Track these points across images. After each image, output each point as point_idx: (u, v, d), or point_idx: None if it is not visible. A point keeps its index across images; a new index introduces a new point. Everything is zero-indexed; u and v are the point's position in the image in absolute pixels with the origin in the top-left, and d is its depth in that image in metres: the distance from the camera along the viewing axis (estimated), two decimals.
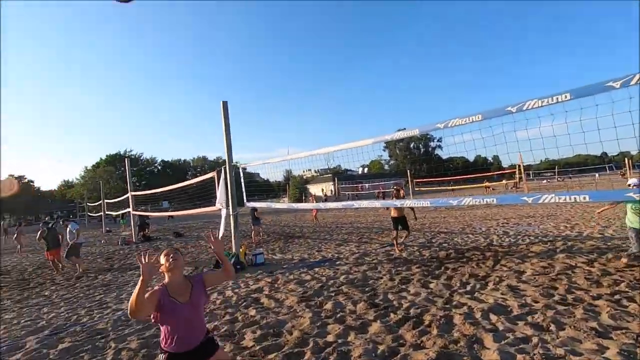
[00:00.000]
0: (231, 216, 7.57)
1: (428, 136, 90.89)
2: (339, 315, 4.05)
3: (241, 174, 9.24)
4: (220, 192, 7.78)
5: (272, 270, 6.72)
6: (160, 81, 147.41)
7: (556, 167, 61.10)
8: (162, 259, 2.07)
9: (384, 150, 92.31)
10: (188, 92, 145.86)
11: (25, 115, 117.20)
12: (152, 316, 1.97)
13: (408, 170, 30.64)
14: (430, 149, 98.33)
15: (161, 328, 2.00)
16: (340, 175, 62.46)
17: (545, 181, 45.88)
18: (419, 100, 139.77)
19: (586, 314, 3.55)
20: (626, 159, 28.67)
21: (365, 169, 75.25)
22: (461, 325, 3.49)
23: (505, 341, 3.07)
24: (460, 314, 3.77)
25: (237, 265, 6.84)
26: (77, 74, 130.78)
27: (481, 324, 3.49)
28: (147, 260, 1.92)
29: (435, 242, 8.48)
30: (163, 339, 1.99)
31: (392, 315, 3.90)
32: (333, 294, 4.85)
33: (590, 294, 4.12)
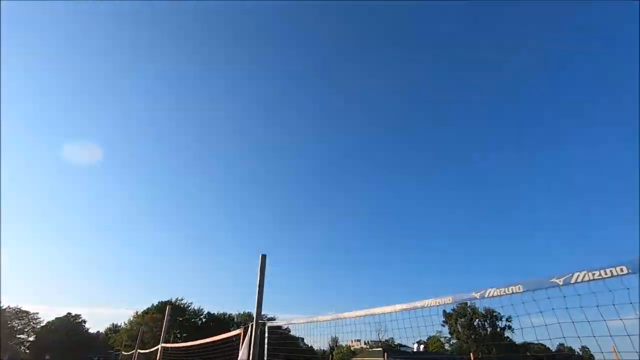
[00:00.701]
0: None
1: (495, 314, 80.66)
2: None
3: (266, 332, 8.47)
4: (242, 352, 7.06)
5: None
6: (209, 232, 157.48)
7: None
8: None
9: (443, 326, 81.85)
10: (243, 244, 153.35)
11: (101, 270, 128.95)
12: None
13: (472, 354, 25.99)
14: (498, 329, 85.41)
15: None
16: (391, 350, 54.79)
17: None
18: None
19: None
20: None
21: (422, 346, 65.62)
22: None
23: None
24: None
25: None
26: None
27: None
28: None
29: None
30: None
31: None
32: None
33: None
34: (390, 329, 10.41)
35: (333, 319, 7.21)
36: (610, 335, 3.11)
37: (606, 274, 2.87)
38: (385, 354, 31.81)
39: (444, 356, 64.92)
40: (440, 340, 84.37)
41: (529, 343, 75.63)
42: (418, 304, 5.31)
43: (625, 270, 2.80)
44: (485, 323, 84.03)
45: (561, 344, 69.07)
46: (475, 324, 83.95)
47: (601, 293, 3.01)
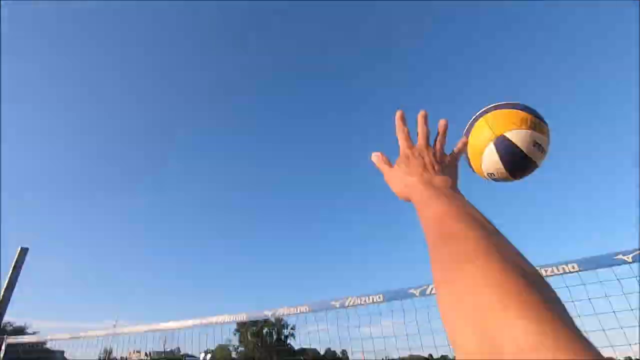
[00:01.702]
0: None
1: (282, 323, 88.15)
2: None
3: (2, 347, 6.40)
4: None
5: None
6: None
7: None
8: None
9: (235, 334, 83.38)
10: None
11: None
12: None
13: None
14: (283, 337, 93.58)
15: None
16: None
17: None
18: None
19: None
20: None
21: (208, 356, 64.55)
22: None
23: None
24: None
25: None
26: None
27: None
28: None
29: None
30: None
31: None
32: None
33: None
34: (176, 338, 9.69)
35: (107, 335, 6.14)
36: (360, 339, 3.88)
37: (369, 300, 3.53)
38: None
39: None
40: (228, 349, 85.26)
41: (305, 348, 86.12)
42: (213, 319, 5.18)
43: (381, 299, 3.50)
44: (273, 331, 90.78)
45: (328, 348, 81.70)
46: (264, 332, 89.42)
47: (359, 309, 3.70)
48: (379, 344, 5.32)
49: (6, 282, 5.90)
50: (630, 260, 2.74)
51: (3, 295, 5.73)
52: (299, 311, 3.72)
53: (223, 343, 79.84)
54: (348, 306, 3.51)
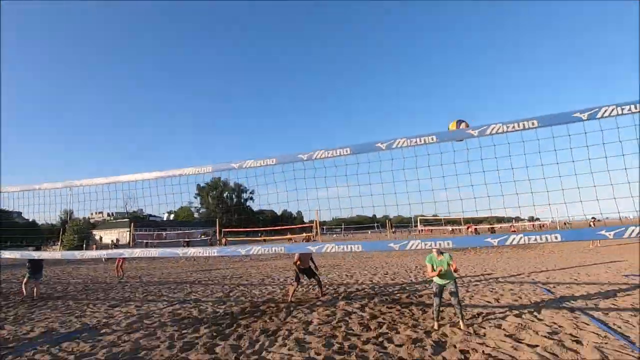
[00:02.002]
0: None
1: (242, 187, 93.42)
2: None
3: None
4: None
5: None
6: None
7: (342, 224, 73.39)
8: None
9: (196, 197, 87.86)
10: None
11: None
12: None
13: (217, 219, 29.69)
14: (242, 200, 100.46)
15: None
16: (142, 221, 54.74)
17: (334, 235, 54.05)
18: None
19: None
20: (387, 221, 37.68)
21: (172, 216, 68.95)
22: None
23: None
24: None
25: None
26: None
27: None
28: None
29: (232, 296, 7.94)
30: None
31: None
32: None
33: (362, 339, 4.48)
34: (140, 198, 9.91)
35: (65, 187, 6.08)
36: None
37: (336, 153, 3.65)
38: (132, 224, 31.30)
39: (193, 223, 71.14)
40: (190, 210, 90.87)
41: (263, 210, 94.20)
42: (176, 172, 5.21)
43: (348, 151, 3.64)
44: (233, 195, 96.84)
45: (285, 209, 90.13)
46: (224, 196, 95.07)
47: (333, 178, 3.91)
48: (334, 204, 5.82)
49: None
50: (585, 117, 3.00)
51: None
52: (266, 164, 3.82)
53: (185, 205, 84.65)
54: (315, 159, 3.63)
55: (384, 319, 5.44)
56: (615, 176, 3.29)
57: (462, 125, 4.35)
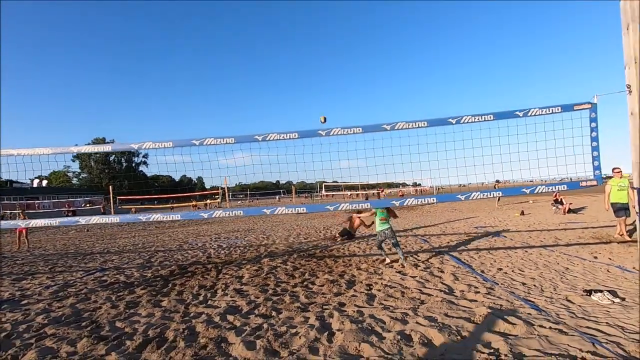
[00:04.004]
0: None
1: (131, 151, 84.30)
2: None
3: None
4: None
5: None
6: None
7: (247, 190, 73.25)
8: None
9: (73, 161, 76.08)
10: None
11: None
12: None
13: (111, 187, 26.98)
14: (133, 164, 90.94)
15: None
16: (1, 189, 45.60)
17: (239, 202, 53.96)
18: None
19: (291, 298, 4.74)
20: (292, 187, 39.37)
21: (44, 182, 58.84)
22: (204, 331, 3.69)
23: (245, 333, 3.58)
24: (201, 322, 3.95)
25: None
26: None
27: (221, 325, 3.86)
28: None
29: (155, 261, 8.11)
30: None
31: (128, 342, 3.49)
32: (33, 341, 3.65)
33: (290, 285, 5.48)
34: None
35: None
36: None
37: (223, 141, 4.37)
38: None
39: (72, 189, 62.18)
40: (67, 175, 78.67)
41: (159, 175, 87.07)
42: (39, 150, 5.39)
43: (260, 139, 4.38)
44: (122, 159, 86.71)
45: (183, 175, 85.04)
46: (111, 159, 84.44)
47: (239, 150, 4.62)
48: (240, 171, 6.61)
49: None
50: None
51: None
52: (163, 146, 4.33)
53: (59, 169, 72.85)
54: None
55: (304, 269, 6.54)
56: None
57: (322, 119, 6.34)
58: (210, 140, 5.35)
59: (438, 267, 6.15)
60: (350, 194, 47.30)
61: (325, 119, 6.42)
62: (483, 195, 5.08)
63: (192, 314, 4.31)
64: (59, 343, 3.55)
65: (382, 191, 36.37)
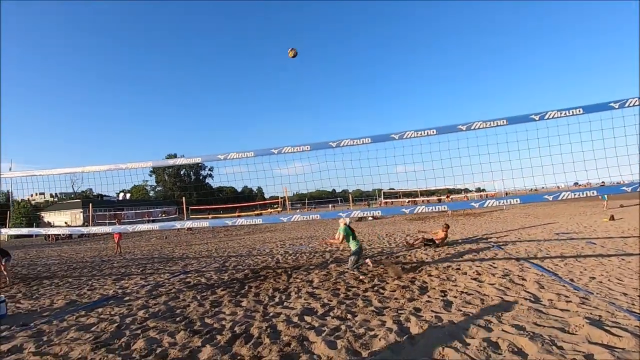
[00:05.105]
0: None
1: (199, 165, 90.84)
2: (158, 351, 3.54)
3: None
4: None
5: (25, 322, 4.88)
6: None
7: (306, 198, 74.83)
8: None
9: (150, 175, 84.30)
10: None
11: None
12: None
13: (183, 198, 29.39)
14: (201, 177, 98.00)
15: None
16: (93, 201, 51.94)
17: (298, 210, 55.32)
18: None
19: (364, 302, 4.77)
20: (349, 195, 39.52)
21: (128, 195, 65.96)
22: (286, 330, 3.88)
23: (324, 333, 3.69)
24: (281, 321, 4.16)
25: None
26: None
27: (300, 325, 4.02)
28: None
29: (229, 266, 8.67)
30: None
31: (219, 337, 3.80)
32: (140, 332, 4.15)
33: (361, 289, 5.51)
34: (86, 180, 10.68)
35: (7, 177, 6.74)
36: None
37: (299, 149, 4.48)
38: (90, 205, 29.97)
39: (150, 201, 68.65)
40: (145, 189, 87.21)
41: (222, 187, 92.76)
42: (122, 165, 6.07)
43: (309, 148, 4.48)
44: (191, 172, 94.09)
45: (245, 186, 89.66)
46: (182, 173, 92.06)
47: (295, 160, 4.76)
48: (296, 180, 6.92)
49: None
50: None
51: None
52: (246, 156, 4.62)
53: (139, 184, 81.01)
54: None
55: (373, 275, 6.53)
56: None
57: (291, 53, 6.27)
58: (287, 149, 5.61)
59: (518, 275, 5.74)
60: (409, 201, 45.94)
61: (295, 53, 6.37)
62: (575, 194, 4.64)
63: (271, 314, 4.54)
64: (161, 335, 3.98)
65: (448, 197, 35.18)
